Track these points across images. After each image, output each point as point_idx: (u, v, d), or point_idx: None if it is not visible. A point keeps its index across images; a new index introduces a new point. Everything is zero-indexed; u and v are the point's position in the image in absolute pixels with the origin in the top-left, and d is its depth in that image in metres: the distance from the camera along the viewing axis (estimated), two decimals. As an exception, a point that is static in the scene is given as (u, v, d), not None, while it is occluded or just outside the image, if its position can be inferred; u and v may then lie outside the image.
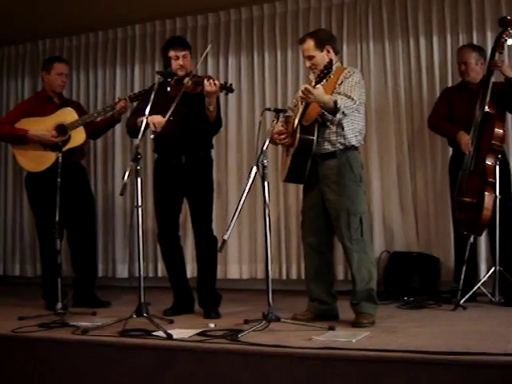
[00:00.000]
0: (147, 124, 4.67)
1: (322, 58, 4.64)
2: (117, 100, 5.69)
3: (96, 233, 6.15)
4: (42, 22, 7.26)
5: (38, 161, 5.65)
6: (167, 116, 4.78)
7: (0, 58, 8.31)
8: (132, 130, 5.09)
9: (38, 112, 5.75)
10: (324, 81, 4.37)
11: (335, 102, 4.39)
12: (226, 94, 5.13)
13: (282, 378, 3.57)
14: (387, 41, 6.51)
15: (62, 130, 5.62)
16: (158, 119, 4.85)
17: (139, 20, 7.42)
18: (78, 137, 5.66)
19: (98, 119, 5.93)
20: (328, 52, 4.69)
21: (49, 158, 5.54)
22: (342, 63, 5.21)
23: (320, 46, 4.67)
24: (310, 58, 4.68)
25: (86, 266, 5.88)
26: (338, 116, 4.44)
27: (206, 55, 5.27)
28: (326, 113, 4.49)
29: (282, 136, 4.74)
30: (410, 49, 6.43)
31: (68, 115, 5.70)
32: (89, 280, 5.87)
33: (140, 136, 4.58)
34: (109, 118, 5.83)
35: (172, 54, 5.14)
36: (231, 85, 4.97)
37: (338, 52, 4.84)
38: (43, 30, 7.58)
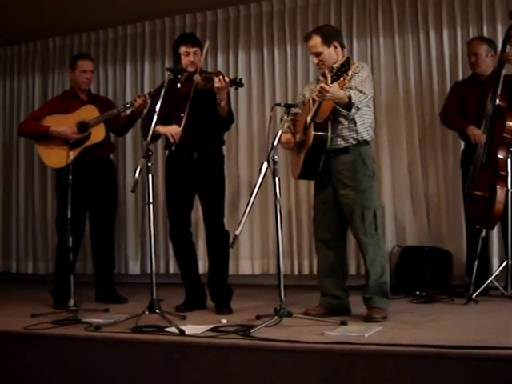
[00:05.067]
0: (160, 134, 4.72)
1: (329, 53, 4.65)
2: (135, 97, 5.74)
3: (114, 229, 6.17)
4: (51, 20, 7.28)
5: (59, 157, 5.70)
6: (182, 124, 4.82)
7: (10, 56, 8.34)
8: (145, 133, 5.10)
9: (63, 109, 5.88)
10: (341, 79, 4.37)
11: (349, 97, 4.39)
12: (236, 89, 5.14)
13: (294, 373, 3.57)
14: (397, 35, 6.49)
15: (84, 126, 5.72)
16: (175, 130, 4.89)
17: (149, 17, 7.43)
18: (98, 134, 5.75)
19: (122, 115, 5.99)
20: (335, 47, 4.69)
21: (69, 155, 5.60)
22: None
23: (327, 41, 4.66)
24: (318, 54, 4.67)
25: (107, 260, 6.00)
26: (353, 111, 4.45)
27: (207, 53, 5.29)
28: (340, 108, 4.48)
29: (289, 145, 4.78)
30: (420, 42, 6.41)
31: (89, 112, 5.79)
32: (110, 275, 5.99)
33: (151, 132, 4.60)
34: (130, 114, 5.91)
35: (183, 49, 5.15)
36: (241, 79, 4.98)
37: (344, 47, 4.83)
38: (53, 27, 7.60)
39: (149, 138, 4.58)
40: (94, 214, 5.92)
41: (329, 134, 4.54)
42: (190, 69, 5.10)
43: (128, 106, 5.75)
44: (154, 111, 4.65)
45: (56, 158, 5.77)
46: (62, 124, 5.74)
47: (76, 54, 6.66)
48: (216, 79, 4.83)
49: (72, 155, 5.31)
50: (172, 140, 4.98)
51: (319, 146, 4.55)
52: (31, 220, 7.99)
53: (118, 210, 7.29)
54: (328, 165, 4.62)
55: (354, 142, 4.60)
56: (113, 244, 6.13)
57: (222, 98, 4.93)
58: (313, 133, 4.53)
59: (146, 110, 5.56)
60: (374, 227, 4.54)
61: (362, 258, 4.68)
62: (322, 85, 4.33)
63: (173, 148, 5.03)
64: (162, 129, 4.98)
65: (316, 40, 4.67)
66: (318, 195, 4.81)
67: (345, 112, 4.49)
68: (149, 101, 5.59)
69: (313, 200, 4.95)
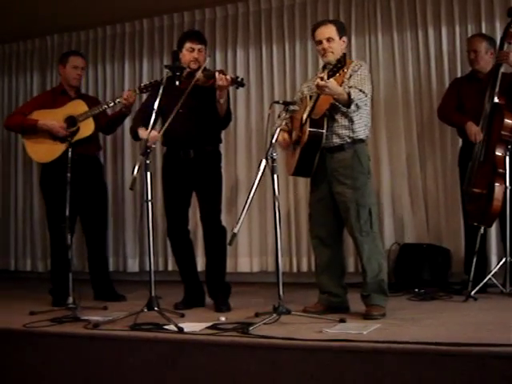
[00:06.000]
0: (156, 114, 4.70)
1: (339, 45, 4.67)
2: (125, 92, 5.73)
3: (107, 227, 6.16)
4: (50, 18, 7.27)
5: (47, 151, 5.68)
6: (163, 128, 4.79)
7: (9, 53, 8.34)
8: (134, 135, 5.22)
9: (51, 105, 5.81)
10: (337, 74, 4.36)
11: (349, 94, 4.40)
12: (237, 88, 5.15)
13: (293, 370, 3.57)
14: (396, 32, 6.49)
15: (72, 121, 5.65)
16: (152, 134, 4.74)
17: (147, 14, 7.42)
18: (87, 128, 5.67)
19: (109, 111, 5.97)
20: (343, 42, 4.73)
21: (58, 149, 5.56)
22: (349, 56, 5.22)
23: (340, 33, 4.70)
24: (330, 40, 4.65)
25: (101, 258, 5.97)
26: (353, 108, 4.45)
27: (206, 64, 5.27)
28: (340, 105, 4.49)
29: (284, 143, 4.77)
30: (419, 40, 6.41)
31: (78, 107, 5.73)
32: (105, 273, 5.97)
33: (149, 129, 4.59)
34: (117, 111, 5.87)
35: (188, 45, 5.16)
36: (242, 79, 4.97)
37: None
38: (51, 25, 7.59)
39: (147, 136, 4.56)
40: (84, 212, 5.83)
41: (324, 130, 4.54)
42: (193, 66, 5.10)
43: (118, 100, 5.70)
44: (153, 109, 4.64)
45: (43, 152, 5.72)
46: (49, 118, 5.67)
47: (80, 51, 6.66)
48: (218, 76, 4.83)
49: (62, 150, 5.29)
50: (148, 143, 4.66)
51: (314, 142, 4.54)
52: (29, 217, 7.99)
53: (116, 208, 7.34)
54: (323, 162, 4.62)
55: (349, 140, 4.59)
56: (105, 242, 6.10)
57: (222, 95, 4.93)
58: (308, 129, 4.53)
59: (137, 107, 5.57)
60: (369, 225, 4.54)
61: (358, 256, 4.68)
62: (318, 81, 4.33)
63: (148, 150, 4.58)
64: (142, 132, 4.98)
65: (331, 27, 4.69)
66: (314, 192, 4.81)
67: (344, 108, 4.50)
68: (137, 95, 5.59)
69: (308, 197, 4.95)
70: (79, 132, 5.63)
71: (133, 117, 5.56)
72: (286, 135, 4.78)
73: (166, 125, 4.75)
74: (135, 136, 5.16)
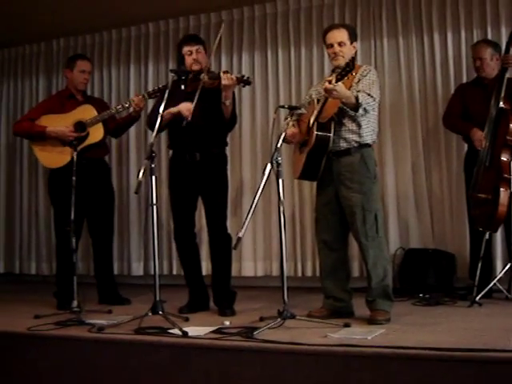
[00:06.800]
0: (162, 118, 4.68)
1: (349, 50, 4.68)
2: (134, 96, 5.72)
3: (113, 231, 6.14)
4: (55, 22, 7.27)
5: (56, 157, 5.68)
6: (194, 102, 4.80)
7: (14, 57, 8.34)
8: (153, 123, 5.04)
9: (59, 109, 5.79)
10: (345, 78, 4.36)
11: (356, 98, 4.40)
12: (244, 86, 5.16)
13: (297, 375, 3.57)
14: (401, 37, 6.48)
15: (81, 126, 5.65)
16: (188, 106, 4.87)
17: (152, 18, 7.44)
18: (97, 133, 5.68)
19: (117, 116, 5.97)
20: (354, 47, 4.74)
21: (67, 155, 5.52)
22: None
23: (351, 38, 4.72)
24: (341, 44, 4.67)
25: (106, 262, 5.97)
26: (360, 111, 4.46)
27: (220, 38, 5.24)
28: (347, 109, 4.50)
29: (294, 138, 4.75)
30: (424, 45, 6.40)
31: (87, 112, 5.71)
32: (110, 276, 5.97)
33: (154, 134, 4.59)
34: (127, 115, 5.87)
35: (186, 49, 5.17)
36: (248, 77, 4.98)
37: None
38: (57, 29, 7.60)
39: (152, 140, 4.57)
40: (91, 215, 5.84)
41: (331, 134, 4.54)
42: (195, 67, 5.11)
43: (127, 105, 5.71)
44: (158, 113, 4.65)
45: (53, 158, 5.72)
46: (58, 124, 5.66)
47: (85, 54, 6.66)
48: (223, 76, 4.84)
49: (72, 155, 5.29)
50: (186, 114, 4.91)
51: (321, 146, 4.54)
52: (34, 220, 7.99)
53: (121, 212, 7.34)
54: (330, 166, 4.63)
55: (355, 145, 4.60)
56: (111, 246, 6.09)
57: (228, 95, 4.93)
58: (315, 133, 4.53)
59: (149, 109, 5.54)
60: (375, 230, 4.54)
61: (363, 260, 4.67)
62: (326, 85, 4.33)
63: (184, 123, 4.90)
64: (173, 109, 4.92)
65: (344, 32, 4.71)
66: (320, 196, 4.81)
67: (352, 112, 4.50)
68: (146, 100, 5.59)
69: (315, 201, 4.95)
70: (89, 137, 5.64)
71: (147, 118, 5.54)
72: (295, 129, 4.76)
73: (196, 99, 4.81)
74: (152, 124, 5.00)
